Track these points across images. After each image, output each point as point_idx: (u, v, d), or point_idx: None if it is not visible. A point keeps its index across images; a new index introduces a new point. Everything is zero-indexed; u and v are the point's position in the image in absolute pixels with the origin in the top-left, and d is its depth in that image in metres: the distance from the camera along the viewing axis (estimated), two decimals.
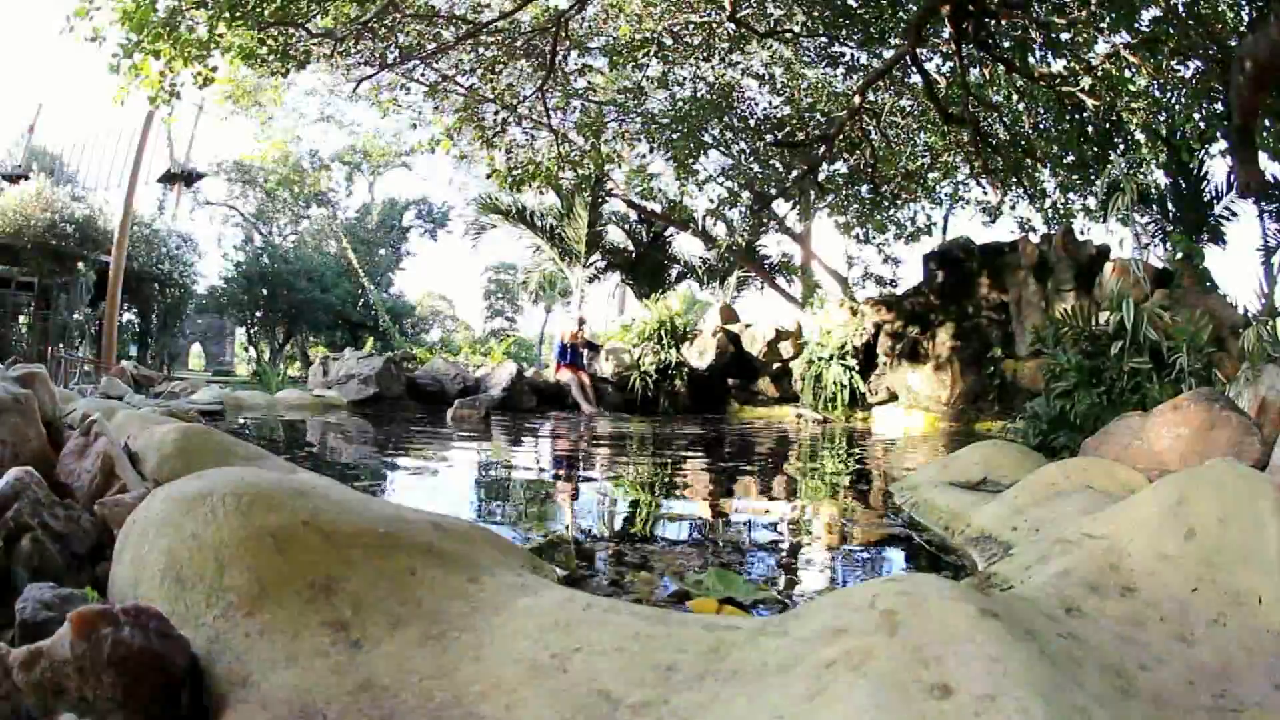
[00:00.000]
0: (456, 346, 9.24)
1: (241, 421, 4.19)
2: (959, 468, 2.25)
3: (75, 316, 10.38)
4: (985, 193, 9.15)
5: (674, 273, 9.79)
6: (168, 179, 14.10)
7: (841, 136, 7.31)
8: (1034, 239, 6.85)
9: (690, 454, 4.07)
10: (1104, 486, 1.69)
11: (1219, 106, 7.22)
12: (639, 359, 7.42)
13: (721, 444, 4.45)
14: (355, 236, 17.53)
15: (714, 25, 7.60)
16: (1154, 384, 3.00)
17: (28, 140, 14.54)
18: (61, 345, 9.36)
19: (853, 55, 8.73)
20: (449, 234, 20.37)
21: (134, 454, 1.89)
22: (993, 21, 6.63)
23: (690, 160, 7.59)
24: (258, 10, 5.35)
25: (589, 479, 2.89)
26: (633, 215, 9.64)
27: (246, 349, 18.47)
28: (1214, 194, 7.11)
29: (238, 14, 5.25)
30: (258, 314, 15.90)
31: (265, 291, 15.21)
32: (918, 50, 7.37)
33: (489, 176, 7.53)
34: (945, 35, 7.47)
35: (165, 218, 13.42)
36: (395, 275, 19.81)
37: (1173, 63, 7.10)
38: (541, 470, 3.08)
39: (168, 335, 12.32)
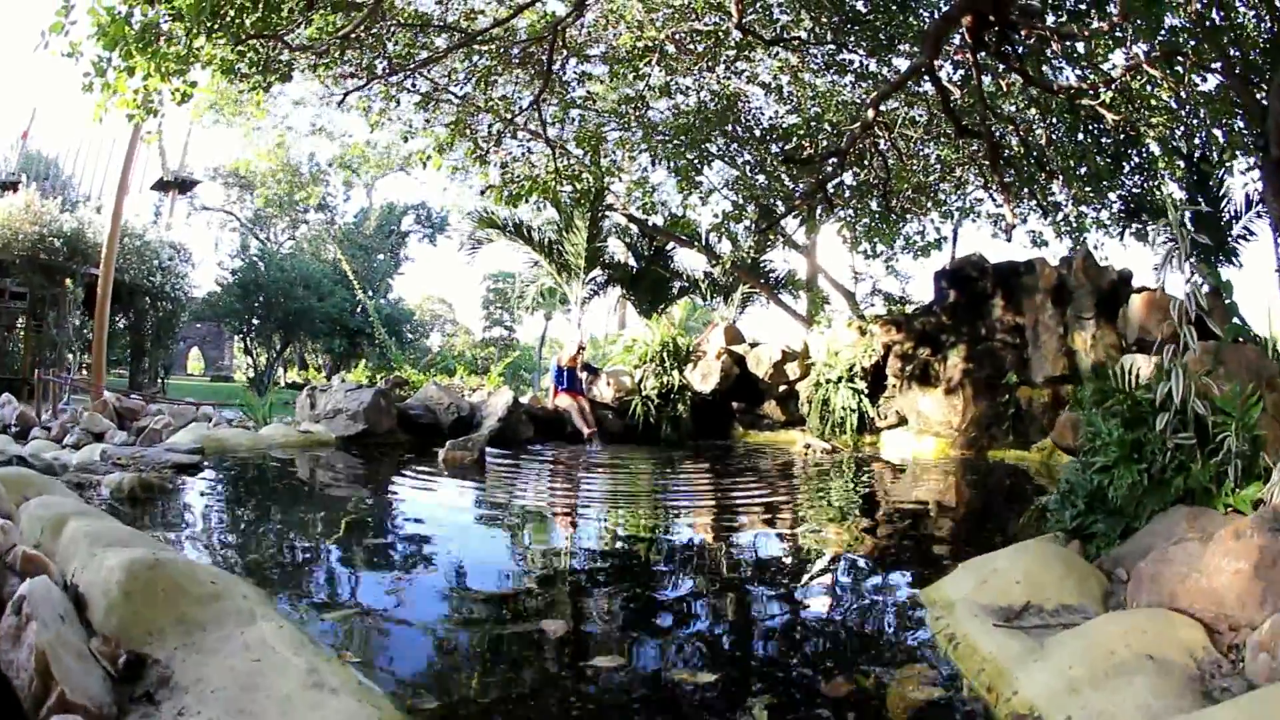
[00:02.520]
0: (452, 365, 9.02)
1: (219, 475, 3.97)
2: (998, 585, 2.02)
3: (70, 326, 10.20)
4: (998, 205, 8.87)
5: (676, 288, 9.55)
6: (161, 187, 13.86)
7: (852, 151, 7.03)
8: (1052, 261, 6.57)
9: (688, 511, 3.85)
10: (1165, 653, 1.47)
11: (1239, 123, 6.94)
12: (640, 382, 7.19)
13: (726, 507, 4.21)
14: (353, 242, 17.27)
15: (719, 34, 7.29)
16: (1198, 462, 2.76)
17: (22, 146, 14.31)
18: (52, 364, 9.17)
19: (861, 62, 8.43)
20: (448, 239, 20.13)
21: (81, 595, 1.70)
22: (1012, 32, 6.32)
23: (694, 174, 7.32)
24: (236, 22, 5.08)
25: (588, 577, 2.67)
26: (634, 229, 9.38)
27: (246, 353, 18.34)
28: (1233, 214, 6.86)
29: (215, 26, 4.98)
30: (254, 322, 15.70)
31: (262, 299, 15.00)
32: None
33: (483, 193, 7.27)
34: (957, 42, 7.17)
35: (159, 226, 13.20)
36: (394, 280, 19.57)
37: (1193, 76, 6.81)
38: (534, 555, 2.85)
39: (160, 348, 12.13)
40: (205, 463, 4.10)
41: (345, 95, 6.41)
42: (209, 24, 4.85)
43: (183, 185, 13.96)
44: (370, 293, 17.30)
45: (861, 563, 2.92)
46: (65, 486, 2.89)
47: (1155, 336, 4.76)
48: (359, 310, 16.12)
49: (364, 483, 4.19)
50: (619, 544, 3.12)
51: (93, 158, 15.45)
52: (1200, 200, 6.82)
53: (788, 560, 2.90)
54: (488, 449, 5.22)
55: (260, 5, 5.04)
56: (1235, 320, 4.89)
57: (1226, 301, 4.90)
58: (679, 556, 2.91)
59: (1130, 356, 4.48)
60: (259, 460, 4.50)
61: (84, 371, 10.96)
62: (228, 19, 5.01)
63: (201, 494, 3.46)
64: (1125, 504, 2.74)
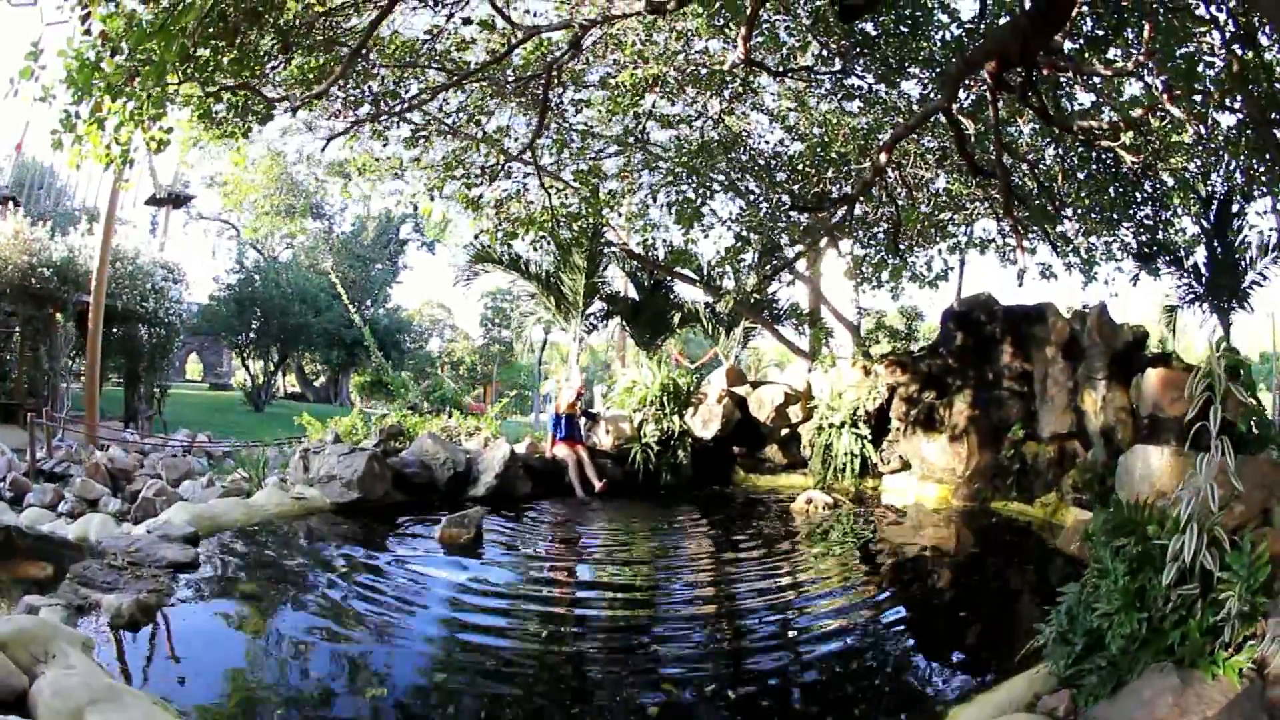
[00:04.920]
0: (450, 394, 8.93)
1: (216, 575, 3.89)
2: None
3: (62, 357, 10.11)
4: (1006, 234, 8.65)
5: (677, 319, 9.40)
6: (154, 202, 13.64)
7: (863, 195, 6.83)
8: (1063, 304, 6.39)
9: (686, 605, 3.76)
10: None
11: (1257, 164, 6.69)
12: (640, 428, 7.09)
13: (724, 591, 4.13)
14: (350, 252, 17.05)
15: (724, 73, 7.02)
16: (1198, 614, 2.69)
17: (16, 158, 14.09)
18: (46, 394, 9.08)
19: (870, 88, 8.17)
20: (446, 247, 19.90)
21: None
22: (1035, 72, 6.06)
23: (695, 214, 7.13)
24: (212, 62, 4.86)
25: None
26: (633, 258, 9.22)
27: (244, 367, 18.28)
28: (1248, 259, 6.67)
29: (190, 70, 4.77)
30: (251, 335, 15.58)
31: (259, 312, 14.86)
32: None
33: (476, 237, 7.10)
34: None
35: (155, 239, 13.03)
36: (392, 289, 19.38)
37: (1214, 115, 6.56)
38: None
39: (155, 372, 12.00)
40: (201, 554, 4.00)
41: (329, 140, 6.21)
42: (183, 68, 4.63)
43: (176, 200, 13.76)
44: (369, 303, 17.12)
45: (852, 683, 2.86)
46: (69, 629, 2.84)
47: (1168, 414, 4.63)
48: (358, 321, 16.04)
49: (359, 582, 4.04)
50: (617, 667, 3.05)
51: (88, 165, 15.17)
52: (1216, 243, 6.64)
53: (775, 673, 2.85)
54: (484, 514, 5.13)
55: (235, 45, 4.84)
56: (1249, 399, 4.74)
57: (1241, 375, 4.75)
58: (658, 672, 2.84)
59: (1142, 450, 4.36)
60: (254, 546, 4.40)
61: (80, 379, 10.88)
62: (201, 61, 4.80)
63: (200, 613, 3.37)
64: (1120, 658, 2.69)
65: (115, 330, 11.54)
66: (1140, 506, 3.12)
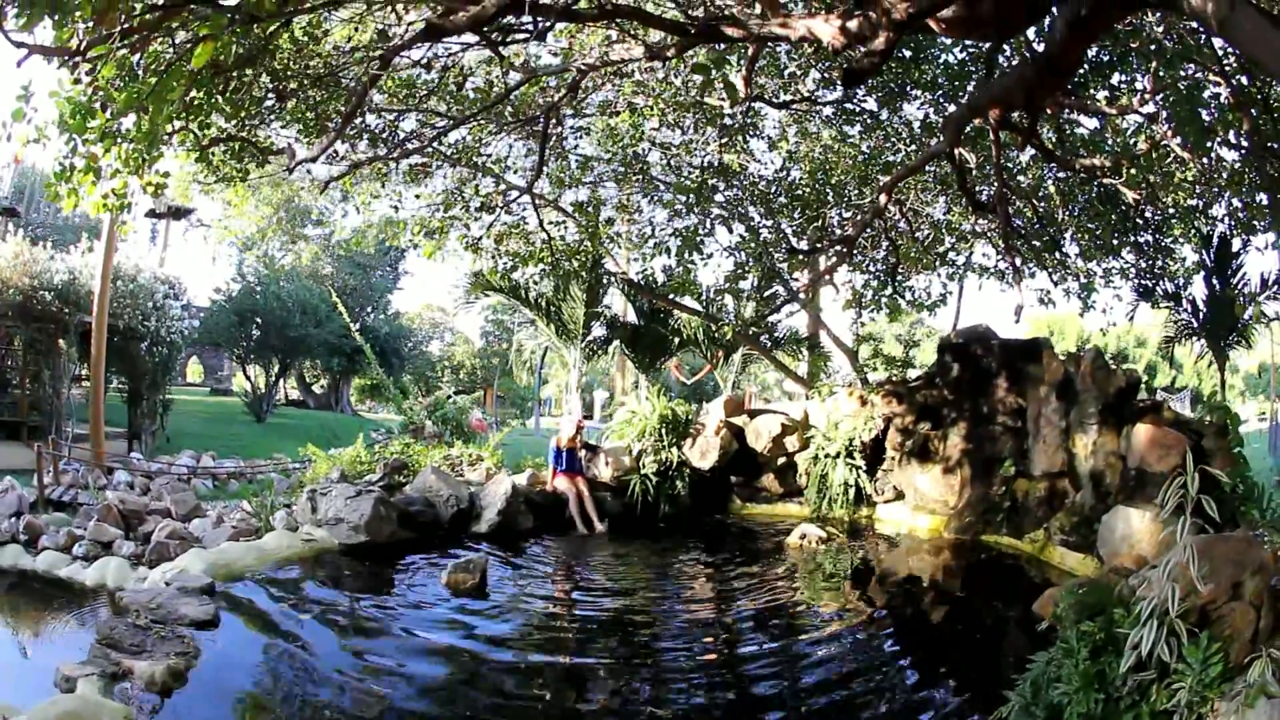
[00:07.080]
0: (453, 413, 9.04)
1: (235, 633, 3.99)
2: None
3: (66, 381, 10.19)
4: (1003, 262, 8.72)
5: (676, 343, 9.49)
6: (154, 215, 13.62)
7: (865, 229, 6.89)
8: (1060, 355, 6.46)
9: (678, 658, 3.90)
10: None
11: (1262, 198, 6.75)
12: (639, 459, 7.21)
13: (718, 635, 4.27)
14: (351, 260, 17.05)
15: (724, 112, 7.05)
16: (1151, 699, 2.84)
17: (16, 169, 14.02)
18: (50, 413, 9.17)
19: (871, 115, 8.19)
20: (446, 252, 19.84)
21: None
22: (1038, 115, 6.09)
23: (696, 247, 7.20)
24: (206, 105, 4.88)
25: None
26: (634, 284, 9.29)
27: (245, 377, 18.32)
28: (1246, 296, 6.73)
29: (183, 114, 4.80)
30: (251, 345, 15.62)
31: (258, 321, 14.88)
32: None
33: (476, 275, 7.17)
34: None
35: (153, 255, 13.02)
36: (392, 296, 19.38)
37: (1218, 150, 6.60)
38: None
39: (157, 390, 12.04)
40: (220, 607, 4.09)
41: (326, 185, 6.26)
42: (178, 114, 4.65)
43: (176, 213, 13.75)
44: (369, 309, 17.12)
45: None
46: (110, 703, 2.93)
47: (1155, 470, 4.76)
48: (359, 328, 16.09)
49: (374, 631, 4.17)
50: None
51: None
52: (1215, 281, 6.70)
53: None
54: (488, 559, 5.27)
55: (229, 89, 4.87)
56: (1236, 450, 4.86)
57: (1231, 432, 4.87)
58: None
59: (1124, 511, 4.49)
60: (270, 596, 4.49)
61: (82, 383, 10.97)
62: (195, 103, 4.82)
63: (228, 675, 3.48)
64: None
65: (116, 340, 11.60)
66: (1108, 586, 3.25)
